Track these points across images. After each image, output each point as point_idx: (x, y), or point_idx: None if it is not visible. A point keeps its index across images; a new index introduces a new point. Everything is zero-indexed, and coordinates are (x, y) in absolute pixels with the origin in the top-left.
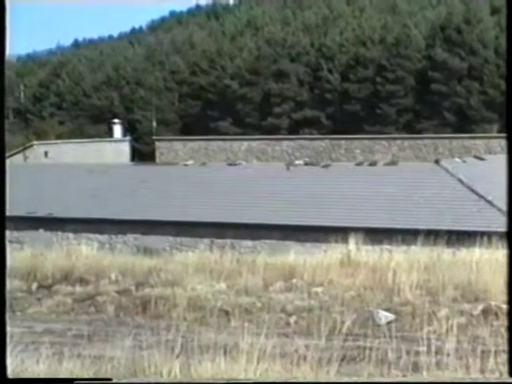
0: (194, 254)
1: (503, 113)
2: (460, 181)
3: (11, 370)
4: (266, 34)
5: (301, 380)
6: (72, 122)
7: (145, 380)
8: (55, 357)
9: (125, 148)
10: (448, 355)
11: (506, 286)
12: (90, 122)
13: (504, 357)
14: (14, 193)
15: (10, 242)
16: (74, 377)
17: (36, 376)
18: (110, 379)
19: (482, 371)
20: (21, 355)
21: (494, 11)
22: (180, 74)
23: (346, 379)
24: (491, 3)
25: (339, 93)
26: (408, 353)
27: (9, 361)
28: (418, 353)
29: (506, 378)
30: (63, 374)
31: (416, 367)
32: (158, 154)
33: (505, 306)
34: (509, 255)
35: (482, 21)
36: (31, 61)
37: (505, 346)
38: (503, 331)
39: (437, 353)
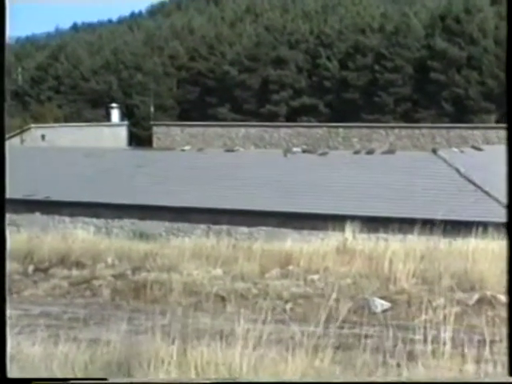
0: (190, 240)
1: (501, 103)
2: (457, 170)
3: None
4: (266, 21)
5: (301, 380)
6: (70, 105)
7: (144, 380)
8: (51, 339)
9: (122, 133)
10: (444, 344)
11: (506, 286)
12: (87, 106)
13: (499, 346)
14: (10, 175)
15: (7, 224)
16: (70, 361)
17: (31, 358)
18: (105, 379)
19: (478, 361)
20: (17, 337)
21: (494, 1)
22: (179, 60)
23: (341, 369)
24: None
25: (338, 80)
26: (403, 341)
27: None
28: (413, 341)
29: (506, 378)
30: (58, 357)
31: (411, 356)
32: (155, 139)
33: (500, 296)
34: (508, 253)
35: (482, 10)
36: (30, 43)
37: (500, 336)
38: (498, 321)
39: (432, 341)
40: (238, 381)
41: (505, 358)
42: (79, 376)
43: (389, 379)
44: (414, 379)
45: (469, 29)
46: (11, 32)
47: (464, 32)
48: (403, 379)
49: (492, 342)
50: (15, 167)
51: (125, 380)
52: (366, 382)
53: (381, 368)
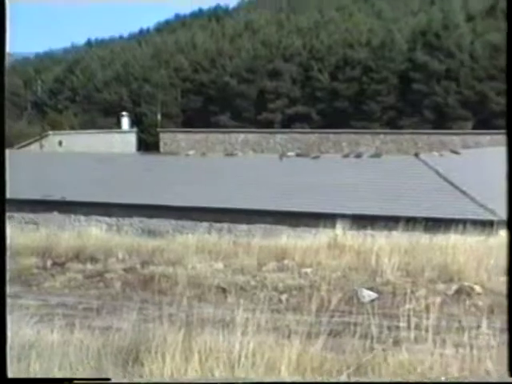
0: (193, 237)
1: (477, 111)
2: (437, 172)
3: (27, 340)
4: (262, 36)
5: (301, 380)
6: (84, 114)
7: (145, 380)
8: (67, 327)
9: (132, 139)
10: (426, 330)
11: (506, 286)
12: (100, 114)
13: (476, 332)
14: (31, 178)
15: (27, 223)
16: (85, 347)
17: (50, 344)
18: (108, 379)
19: (456, 345)
20: (36, 326)
21: (470, 18)
22: (183, 72)
23: (332, 354)
24: (467, 11)
25: (328, 91)
26: (389, 328)
27: (26, 331)
28: (398, 328)
29: (506, 378)
30: (74, 343)
31: (396, 341)
32: (162, 144)
33: (476, 287)
34: (508, 253)
35: (459, 27)
36: (48, 58)
37: (477, 323)
38: (474, 309)
39: (415, 328)
40: (237, 381)
41: (481, 343)
42: (92, 362)
43: (389, 379)
44: (415, 379)
45: (447, 44)
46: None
47: (443, 46)
48: (400, 380)
49: (469, 328)
50: (35, 170)
51: (127, 380)
52: (366, 382)
53: (368, 352)
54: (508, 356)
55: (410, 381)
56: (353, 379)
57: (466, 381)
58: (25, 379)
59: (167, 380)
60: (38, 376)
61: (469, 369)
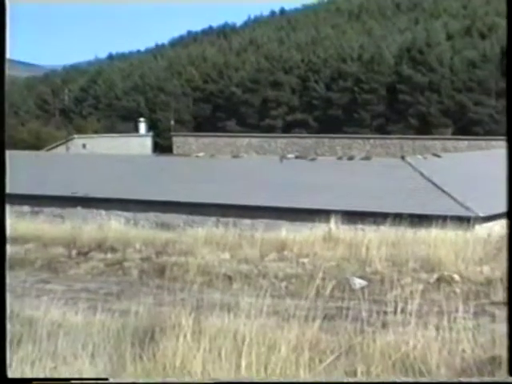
0: (203, 230)
1: (456, 119)
2: (421, 173)
3: (55, 320)
4: (265, 51)
5: (301, 380)
6: (106, 119)
7: (144, 380)
8: (90, 310)
9: (148, 142)
10: (410, 314)
11: (506, 286)
12: (120, 120)
13: (454, 316)
14: (58, 176)
15: (55, 216)
16: (106, 327)
17: (75, 325)
18: (106, 379)
19: (437, 328)
20: (62, 308)
21: (449, 37)
22: (194, 82)
23: (327, 335)
24: (447, 31)
25: (324, 100)
26: (377, 312)
27: (54, 313)
28: (385, 312)
29: (506, 378)
30: (96, 324)
31: (384, 324)
32: (174, 147)
33: (455, 276)
34: (508, 252)
35: (440, 44)
36: (74, 70)
37: (455, 308)
38: (453, 295)
39: (401, 312)
40: (237, 381)
41: (458, 326)
42: (112, 341)
43: (389, 379)
44: (414, 379)
45: (429, 59)
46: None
47: (426, 61)
48: (400, 380)
49: (448, 312)
50: (62, 170)
51: (126, 380)
52: (366, 382)
53: (359, 335)
54: (508, 356)
55: (410, 381)
56: (345, 362)
57: (466, 381)
58: (25, 379)
59: (167, 380)
60: (64, 353)
61: (448, 348)
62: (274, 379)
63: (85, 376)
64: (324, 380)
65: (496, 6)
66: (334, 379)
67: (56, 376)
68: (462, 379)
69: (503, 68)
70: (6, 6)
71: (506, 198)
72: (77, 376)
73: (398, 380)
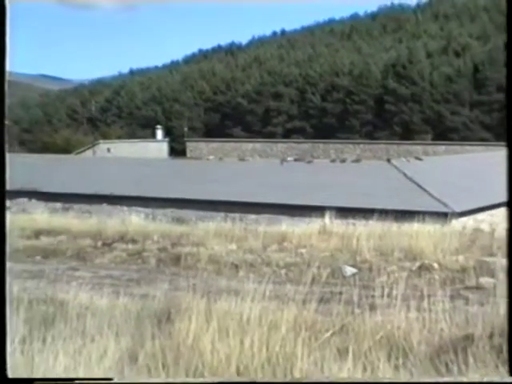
0: (212, 224)
1: (435, 127)
2: (404, 174)
3: (83, 303)
4: (268, 67)
5: (300, 380)
6: (127, 127)
7: (145, 380)
8: (113, 294)
9: (164, 147)
10: (395, 298)
11: (506, 285)
12: (140, 127)
13: (433, 299)
14: (86, 176)
15: (83, 212)
16: (128, 310)
17: (100, 307)
18: (111, 379)
19: (418, 310)
20: (90, 292)
21: (429, 55)
22: (205, 94)
23: (322, 316)
24: (426, 49)
25: (319, 109)
26: (366, 296)
27: (82, 296)
28: (373, 296)
29: (506, 378)
30: (119, 306)
31: (372, 306)
32: (188, 151)
33: (434, 264)
34: (508, 253)
35: (421, 61)
36: (100, 83)
37: (433, 292)
38: (433, 281)
39: (387, 296)
40: (237, 381)
41: (436, 308)
42: (133, 322)
43: (388, 379)
44: (414, 379)
45: (412, 74)
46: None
47: (408, 76)
48: (399, 380)
49: (428, 296)
50: (90, 171)
51: (130, 380)
52: (366, 382)
53: (350, 316)
54: (508, 356)
55: (410, 381)
56: (338, 339)
57: (466, 381)
58: (26, 379)
59: (167, 380)
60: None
61: (427, 327)
62: (274, 379)
63: (110, 350)
64: (323, 380)
65: (468, 29)
66: (327, 358)
67: (83, 354)
68: (462, 379)
69: (476, 82)
70: (6, 6)
71: (507, 195)
72: (101, 351)
73: (398, 380)
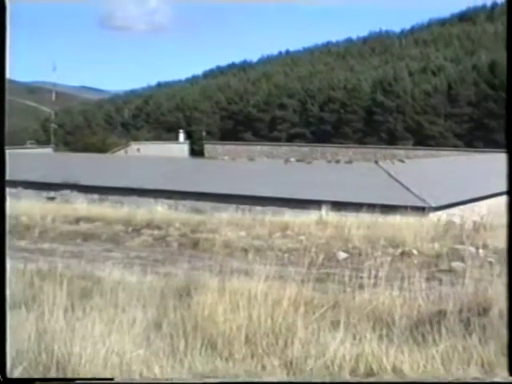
0: (225, 214)
1: (416, 134)
2: (389, 174)
3: (116, 279)
4: (274, 81)
5: (300, 380)
6: (154, 131)
7: (146, 380)
8: (141, 272)
9: (185, 148)
10: (381, 279)
11: (506, 285)
12: (164, 131)
13: (413, 280)
14: (119, 172)
15: (116, 203)
16: (154, 286)
17: (129, 284)
18: (111, 379)
19: (400, 289)
20: (121, 271)
21: (411, 74)
22: (221, 104)
23: (318, 294)
24: (408, 69)
25: (318, 118)
26: (356, 277)
27: (115, 273)
28: (362, 277)
29: (506, 378)
30: (146, 283)
31: (361, 286)
32: (205, 152)
33: (414, 251)
34: (508, 254)
35: (404, 79)
36: (132, 94)
37: (413, 274)
38: (412, 265)
39: (374, 277)
40: (237, 381)
41: (415, 287)
42: (158, 295)
43: (388, 379)
44: (414, 379)
45: (396, 89)
46: (121, 87)
47: (393, 91)
48: (400, 380)
49: (408, 277)
50: (122, 168)
51: (129, 380)
52: (365, 382)
53: (342, 294)
54: (508, 356)
55: (410, 381)
56: (332, 313)
57: (466, 381)
58: (27, 379)
59: (168, 380)
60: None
61: (407, 304)
62: (274, 379)
63: (139, 319)
64: (323, 380)
65: (443, 53)
66: (322, 328)
67: (116, 322)
68: (462, 379)
69: (449, 97)
70: (6, 6)
71: (507, 197)
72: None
73: (400, 380)
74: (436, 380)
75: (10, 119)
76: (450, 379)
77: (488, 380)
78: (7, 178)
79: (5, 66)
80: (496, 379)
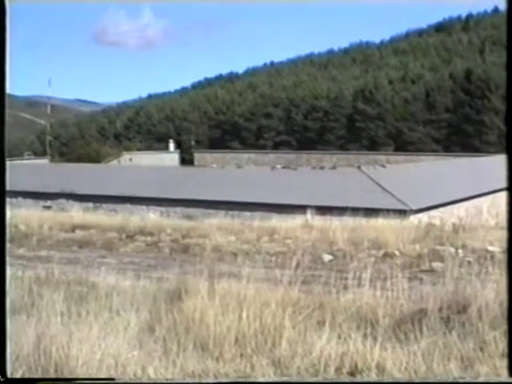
0: (215, 220)
1: (396, 140)
2: (371, 178)
3: (110, 284)
4: (260, 91)
5: (301, 380)
6: (145, 141)
7: (146, 380)
8: (135, 277)
9: (176, 157)
10: (364, 280)
11: (506, 285)
12: (155, 141)
13: (395, 280)
14: (112, 181)
15: (110, 210)
16: (146, 289)
17: (123, 288)
18: (112, 379)
19: (382, 289)
20: (115, 276)
21: (390, 82)
22: (209, 114)
23: (304, 295)
24: (388, 78)
25: (302, 126)
26: (341, 278)
27: (109, 278)
28: (346, 278)
29: (506, 378)
30: (140, 287)
31: (345, 287)
32: (195, 160)
33: (396, 252)
34: (508, 255)
35: (384, 87)
36: (124, 105)
37: (396, 274)
38: (394, 266)
39: (358, 279)
40: (238, 381)
41: (397, 287)
42: (151, 299)
43: (388, 379)
44: (414, 379)
45: (377, 97)
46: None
47: (374, 99)
48: (399, 380)
49: (391, 277)
50: (116, 177)
51: (130, 380)
52: (366, 382)
53: (328, 294)
54: (508, 356)
55: (410, 381)
56: (317, 313)
57: (466, 381)
58: (25, 379)
59: (168, 380)
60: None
61: (390, 303)
62: (274, 379)
63: (133, 322)
64: (323, 380)
65: (421, 62)
66: (309, 328)
67: (111, 325)
68: (462, 379)
69: (428, 104)
70: (6, 6)
71: (507, 198)
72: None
73: (399, 380)
74: (436, 380)
75: (9, 132)
76: (450, 379)
77: (488, 380)
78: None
79: (5, 67)
80: (496, 379)
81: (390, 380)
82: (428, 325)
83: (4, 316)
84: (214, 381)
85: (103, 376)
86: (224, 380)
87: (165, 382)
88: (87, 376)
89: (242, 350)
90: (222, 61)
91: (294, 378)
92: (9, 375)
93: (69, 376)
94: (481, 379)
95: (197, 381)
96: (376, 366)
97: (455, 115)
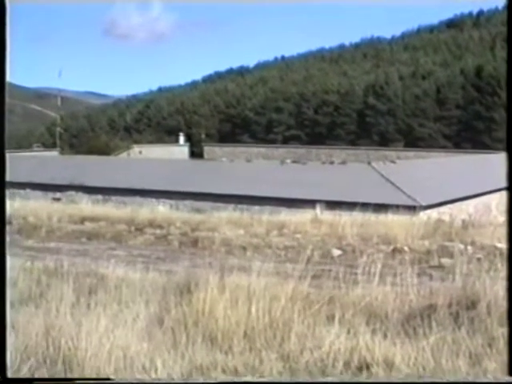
0: (224, 213)
1: (406, 136)
2: (381, 174)
3: (120, 276)
4: (270, 86)
5: (300, 380)
6: (156, 134)
7: (146, 380)
8: (144, 269)
9: (185, 150)
10: (374, 275)
11: (506, 285)
12: (165, 134)
13: (405, 276)
14: (122, 174)
15: (119, 203)
16: (155, 282)
17: (133, 280)
18: (111, 379)
19: (392, 284)
20: (124, 268)
21: (401, 78)
22: (219, 108)
23: (314, 289)
24: (399, 73)
25: (312, 121)
26: (350, 273)
27: (119, 271)
28: (356, 273)
29: (506, 378)
30: (149, 279)
31: (355, 281)
32: (205, 154)
33: (405, 247)
34: (508, 255)
35: (395, 83)
36: (134, 98)
37: (405, 270)
38: (404, 262)
39: (367, 274)
40: (237, 381)
41: (407, 283)
42: (160, 291)
43: (389, 379)
44: (414, 379)
45: (388, 93)
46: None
47: (385, 94)
48: (399, 380)
49: (400, 273)
50: (125, 169)
51: (129, 380)
52: (366, 382)
53: (337, 289)
54: (508, 356)
55: (410, 381)
56: (327, 308)
57: (466, 381)
58: (25, 379)
59: (168, 380)
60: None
61: (399, 299)
62: (274, 379)
63: (142, 314)
64: (322, 380)
65: (432, 58)
66: (318, 323)
67: (120, 317)
68: (462, 380)
69: (438, 101)
70: (6, 6)
71: (507, 199)
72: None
73: (399, 380)
74: (436, 380)
75: (19, 123)
76: (450, 380)
77: (488, 380)
78: (15, 180)
79: (5, 66)
80: (496, 379)
81: (390, 380)
82: (437, 320)
83: (4, 316)
84: (215, 381)
85: (112, 367)
86: (224, 380)
87: (165, 382)
88: (95, 367)
89: (250, 344)
90: (232, 55)
91: (292, 370)
92: (15, 367)
93: (77, 367)
94: (481, 379)
95: (197, 381)
96: (384, 361)
97: (466, 111)
